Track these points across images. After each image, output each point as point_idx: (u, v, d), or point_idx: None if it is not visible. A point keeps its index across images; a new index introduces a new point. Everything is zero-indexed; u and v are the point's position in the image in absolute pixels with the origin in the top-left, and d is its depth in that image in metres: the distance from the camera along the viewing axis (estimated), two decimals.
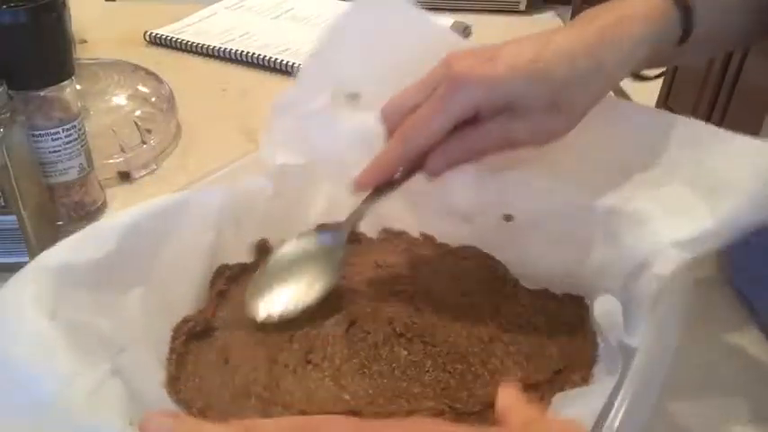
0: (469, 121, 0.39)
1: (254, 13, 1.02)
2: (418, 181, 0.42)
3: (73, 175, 0.56)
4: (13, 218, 0.50)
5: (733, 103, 1.86)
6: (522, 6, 1.08)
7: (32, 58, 0.51)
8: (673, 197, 0.39)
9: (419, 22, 0.46)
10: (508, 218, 0.47)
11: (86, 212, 0.59)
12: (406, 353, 0.39)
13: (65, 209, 0.58)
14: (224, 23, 0.97)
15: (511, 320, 0.42)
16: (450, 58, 0.39)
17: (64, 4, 0.53)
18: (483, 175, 0.45)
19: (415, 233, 0.50)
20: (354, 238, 0.49)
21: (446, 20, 1.00)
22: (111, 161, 0.63)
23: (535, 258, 0.45)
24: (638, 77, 0.46)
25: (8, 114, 0.49)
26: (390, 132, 0.42)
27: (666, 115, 0.42)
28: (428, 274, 0.46)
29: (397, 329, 0.40)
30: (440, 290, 0.44)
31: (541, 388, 0.37)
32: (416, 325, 0.40)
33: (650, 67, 0.43)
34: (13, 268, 0.52)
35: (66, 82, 0.53)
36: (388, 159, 0.41)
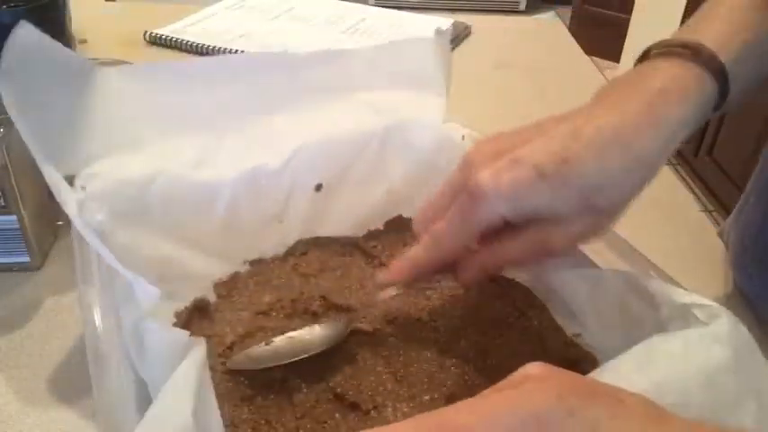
0: (504, 228, 0.36)
1: (255, 13, 1.02)
2: None
3: None
4: (13, 218, 0.50)
5: None
6: (522, 6, 1.08)
7: None
8: None
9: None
10: (318, 187, 0.49)
11: None
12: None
13: None
14: (224, 24, 0.98)
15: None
16: (472, 157, 0.36)
17: (64, 4, 0.53)
18: None
19: None
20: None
21: (446, 20, 1.01)
22: None
23: None
24: None
25: (8, 114, 0.49)
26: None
27: None
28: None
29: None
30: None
31: None
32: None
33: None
34: (13, 268, 0.52)
35: None
36: (417, 263, 0.38)
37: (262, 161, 0.47)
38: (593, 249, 0.41)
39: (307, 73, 0.51)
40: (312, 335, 0.40)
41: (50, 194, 0.56)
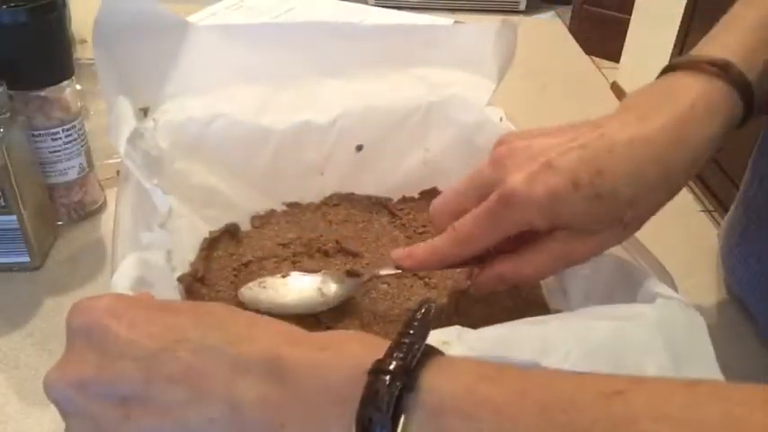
0: (525, 235, 0.36)
1: (254, 14, 1.02)
2: None
3: (73, 175, 0.56)
4: (13, 218, 0.50)
5: None
6: (522, 6, 1.08)
7: (32, 58, 0.51)
8: None
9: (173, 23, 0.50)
10: (359, 148, 0.52)
11: (86, 212, 0.59)
12: None
13: (65, 209, 0.58)
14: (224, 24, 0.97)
15: None
16: (503, 155, 0.36)
17: (64, 4, 0.53)
18: None
19: None
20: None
21: (446, 20, 1.01)
22: (111, 161, 0.62)
23: None
24: None
25: (8, 114, 0.49)
26: (438, 230, 0.39)
27: None
28: None
29: None
30: None
31: None
32: None
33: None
34: (13, 268, 0.52)
35: (66, 82, 0.53)
36: (438, 256, 0.38)
37: (311, 117, 0.52)
38: None
39: (365, 44, 0.55)
40: (323, 293, 0.42)
41: (51, 194, 0.56)
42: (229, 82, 0.52)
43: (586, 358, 0.29)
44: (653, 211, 0.36)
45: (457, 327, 0.32)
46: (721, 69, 0.36)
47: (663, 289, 0.34)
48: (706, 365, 0.30)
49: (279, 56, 0.53)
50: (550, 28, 1.13)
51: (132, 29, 0.47)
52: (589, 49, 1.04)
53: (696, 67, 0.36)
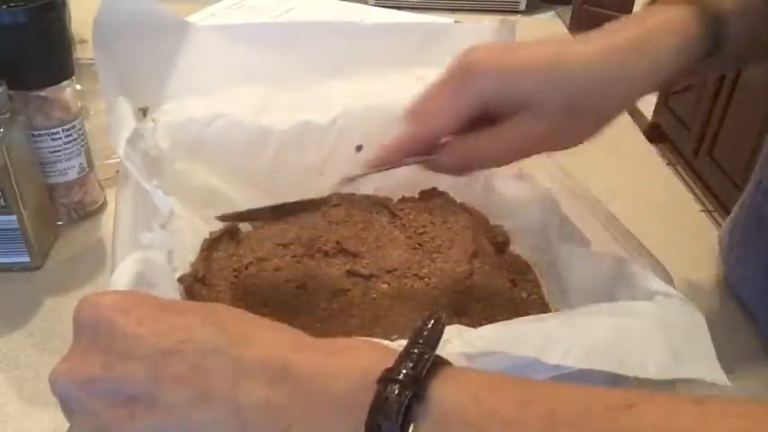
0: (487, 122, 0.38)
1: (255, 14, 1.02)
2: None
3: (73, 175, 0.56)
4: (13, 218, 0.50)
5: (733, 104, 1.86)
6: (522, 6, 1.08)
7: (32, 58, 0.51)
8: None
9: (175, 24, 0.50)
10: (359, 148, 0.52)
11: (86, 212, 0.59)
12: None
13: (65, 209, 0.58)
14: (224, 23, 0.97)
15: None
16: (470, 48, 0.38)
17: (64, 4, 0.53)
18: None
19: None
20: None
21: (445, 20, 1.00)
22: (111, 161, 0.63)
23: None
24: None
25: (8, 114, 0.49)
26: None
27: None
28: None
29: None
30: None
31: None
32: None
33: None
34: (13, 268, 0.52)
35: (66, 82, 0.53)
36: (399, 144, 0.40)
37: (311, 117, 0.52)
38: (600, 239, 0.41)
39: (366, 44, 0.55)
40: None
41: (51, 194, 0.56)
42: (229, 82, 0.52)
43: (586, 355, 0.29)
44: (607, 107, 0.37)
45: (457, 325, 0.31)
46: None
47: (663, 287, 0.34)
48: (706, 363, 0.30)
49: (279, 56, 0.53)
50: (550, 28, 1.13)
51: (132, 29, 0.47)
52: None
53: None
